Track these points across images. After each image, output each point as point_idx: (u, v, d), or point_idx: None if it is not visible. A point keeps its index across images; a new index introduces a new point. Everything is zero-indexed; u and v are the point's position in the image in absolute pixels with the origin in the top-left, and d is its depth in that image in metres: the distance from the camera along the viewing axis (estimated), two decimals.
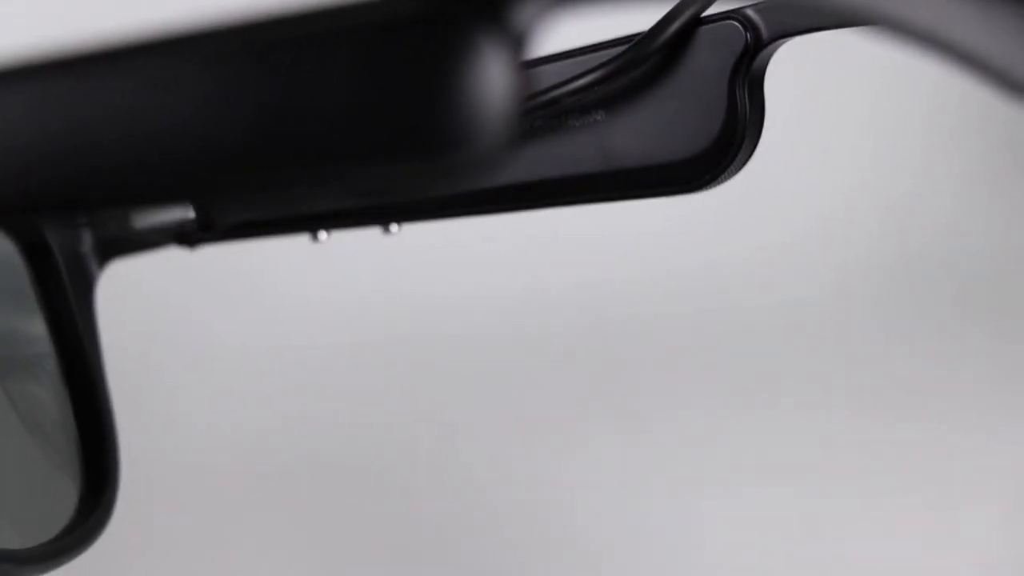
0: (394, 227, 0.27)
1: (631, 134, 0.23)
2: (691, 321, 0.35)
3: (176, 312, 0.39)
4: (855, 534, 0.34)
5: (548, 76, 0.23)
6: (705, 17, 0.21)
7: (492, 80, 0.12)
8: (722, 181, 0.22)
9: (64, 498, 0.26)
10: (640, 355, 0.35)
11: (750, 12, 0.21)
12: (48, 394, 0.27)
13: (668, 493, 0.35)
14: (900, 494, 0.34)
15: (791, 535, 0.35)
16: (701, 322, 0.35)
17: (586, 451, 0.36)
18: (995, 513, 0.34)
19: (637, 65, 0.22)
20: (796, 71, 0.25)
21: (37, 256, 0.28)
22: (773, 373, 0.35)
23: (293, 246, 0.29)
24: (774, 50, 0.21)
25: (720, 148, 0.22)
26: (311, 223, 0.28)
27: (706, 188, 0.22)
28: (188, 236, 0.29)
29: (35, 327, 0.28)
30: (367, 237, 0.28)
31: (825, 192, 0.34)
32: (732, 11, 0.21)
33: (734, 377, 0.35)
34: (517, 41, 0.12)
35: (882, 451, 0.34)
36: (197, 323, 0.38)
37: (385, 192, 0.20)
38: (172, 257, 0.30)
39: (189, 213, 0.29)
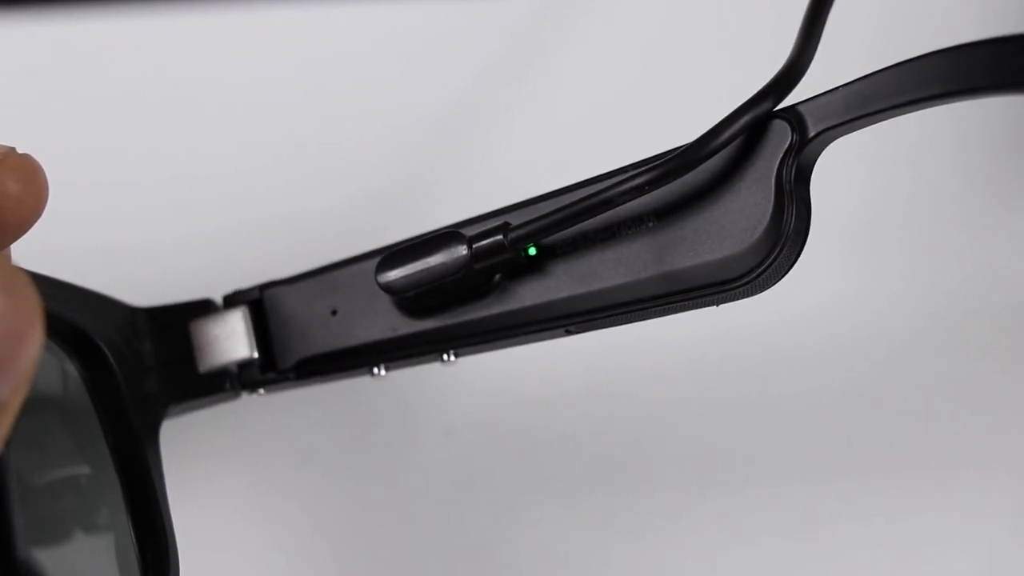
0: (450, 357, 0.28)
1: (682, 235, 0.23)
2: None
3: None
4: None
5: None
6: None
7: None
8: (772, 279, 0.22)
9: None
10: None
11: (799, 108, 0.22)
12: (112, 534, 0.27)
13: None
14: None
15: None
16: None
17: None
18: None
19: (687, 168, 0.22)
20: None
21: (103, 390, 0.28)
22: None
23: None
24: (822, 145, 0.22)
25: (767, 245, 0.22)
26: (371, 358, 0.29)
27: (755, 287, 0.22)
28: (250, 379, 0.30)
29: (103, 460, 0.28)
30: None
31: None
32: (780, 109, 0.22)
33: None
34: None
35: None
36: None
37: None
38: None
39: (253, 353, 0.30)
